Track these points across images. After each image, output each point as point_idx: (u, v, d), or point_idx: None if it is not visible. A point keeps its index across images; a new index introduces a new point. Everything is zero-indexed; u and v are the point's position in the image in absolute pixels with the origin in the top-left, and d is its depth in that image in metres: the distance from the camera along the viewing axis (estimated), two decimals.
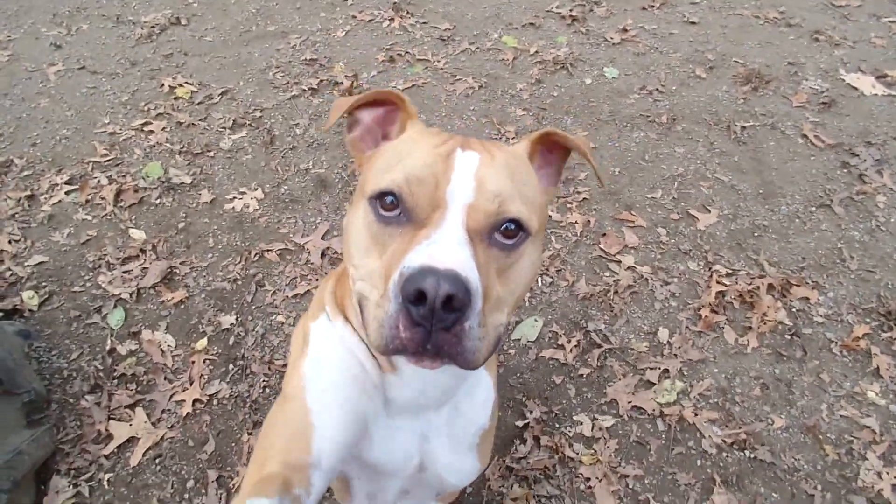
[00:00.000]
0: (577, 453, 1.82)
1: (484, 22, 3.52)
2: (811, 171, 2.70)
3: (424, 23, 3.50)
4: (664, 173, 2.69)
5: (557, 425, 1.89)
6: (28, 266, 2.24)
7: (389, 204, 0.76)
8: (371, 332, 0.72)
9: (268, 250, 2.32)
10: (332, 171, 2.66)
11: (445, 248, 0.69)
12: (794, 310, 2.19)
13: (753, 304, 2.20)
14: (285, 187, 2.58)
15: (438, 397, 0.95)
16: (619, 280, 2.28)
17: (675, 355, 2.06)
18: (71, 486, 1.73)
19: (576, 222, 2.47)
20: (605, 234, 2.44)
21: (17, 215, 2.41)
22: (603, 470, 1.78)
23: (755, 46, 3.38)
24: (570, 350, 2.07)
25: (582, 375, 2.01)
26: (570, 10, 3.59)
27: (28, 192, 2.48)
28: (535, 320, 2.16)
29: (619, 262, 2.35)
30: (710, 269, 2.32)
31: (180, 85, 3.01)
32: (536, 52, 3.30)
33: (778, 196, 2.61)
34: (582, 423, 1.89)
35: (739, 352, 2.07)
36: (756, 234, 2.45)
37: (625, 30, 3.46)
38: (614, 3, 3.68)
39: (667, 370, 2.02)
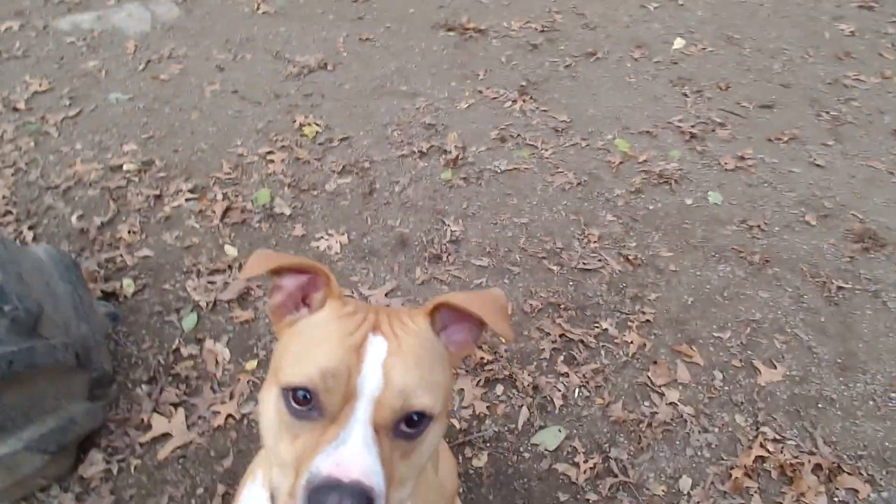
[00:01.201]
0: None
1: (602, 121, 3.60)
2: None
3: (544, 111, 3.64)
4: (739, 315, 2.61)
5: None
6: (136, 256, 2.57)
7: (302, 398, 0.80)
8: None
9: None
10: (415, 233, 2.82)
11: (352, 454, 0.75)
12: (837, 499, 2.04)
13: (793, 480, 2.07)
14: (369, 238, 2.78)
15: None
16: (656, 413, 2.23)
17: None
18: (104, 462, 1.96)
19: (631, 342, 2.46)
20: (656, 362, 2.40)
21: (142, 210, 2.77)
22: None
23: (880, 204, 3.19)
24: (585, 471, 2.05)
25: (589, 500, 1.98)
26: (692, 126, 3.58)
27: (157, 192, 2.86)
28: (560, 430, 2.16)
29: (662, 394, 2.30)
30: (757, 428, 2.21)
31: (309, 124, 3.34)
32: (645, 160, 3.33)
33: (858, 371, 2.44)
34: None
35: None
36: (820, 406, 2.31)
37: (742, 157, 3.40)
38: (740, 128, 3.63)
39: None
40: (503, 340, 2.36)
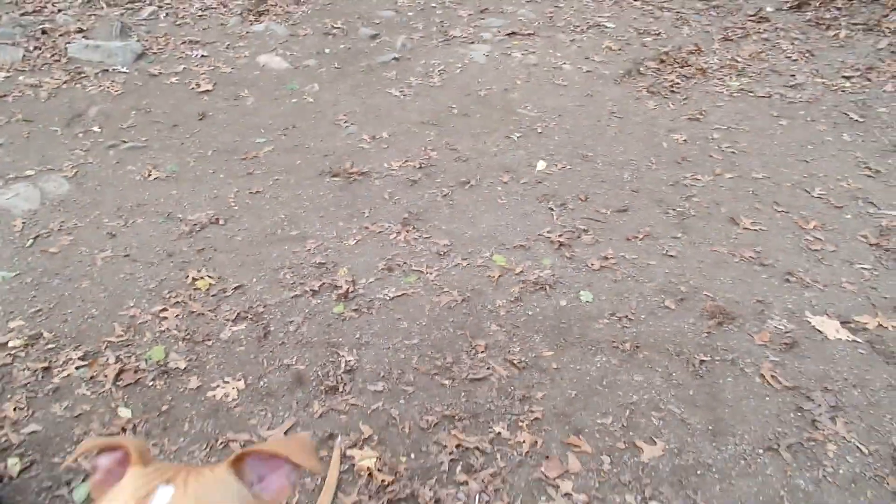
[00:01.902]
0: None
1: (480, 241, 3.95)
2: (764, 411, 2.79)
3: (427, 237, 3.96)
4: (619, 400, 2.84)
5: None
6: (23, 433, 2.53)
7: None
8: None
9: (233, 440, 2.54)
10: (311, 368, 2.94)
11: None
12: None
13: None
14: (265, 380, 2.86)
15: None
16: None
17: None
18: None
19: (523, 441, 2.61)
20: (548, 457, 2.55)
21: (28, 385, 2.75)
22: None
23: (727, 282, 3.63)
24: None
25: None
26: (560, 236, 3.99)
27: (45, 364, 2.85)
28: None
29: (557, 486, 2.43)
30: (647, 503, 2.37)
31: (202, 277, 3.47)
32: (521, 271, 3.66)
33: (727, 434, 2.68)
34: None
35: None
36: (699, 472, 2.51)
37: (606, 257, 3.80)
38: (601, 233, 4.07)
39: None
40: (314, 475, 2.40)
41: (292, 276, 3.56)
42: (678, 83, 6.20)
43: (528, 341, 3.16)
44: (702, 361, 3.05)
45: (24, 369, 2.81)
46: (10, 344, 2.94)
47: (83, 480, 2.36)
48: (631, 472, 2.50)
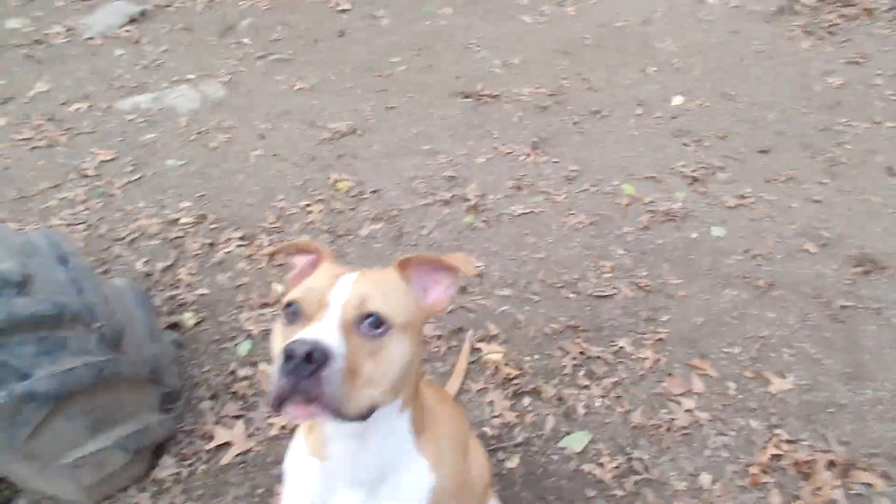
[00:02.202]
0: None
1: (608, 170, 3.91)
2: None
3: (555, 162, 3.97)
4: (748, 332, 2.80)
5: None
6: (195, 294, 2.86)
7: (292, 312, 1.06)
8: (269, 397, 0.98)
9: None
10: None
11: (316, 328, 0.98)
12: (852, 492, 2.16)
13: (808, 476, 2.21)
14: None
15: (370, 473, 1.20)
16: (674, 419, 2.40)
17: (713, 502, 2.12)
18: (175, 466, 2.17)
19: (646, 358, 2.65)
20: (671, 375, 2.59)
21: (198, 255, 3.09)
22: None
23: (878, 232, 3.41)
24: (610, 470, 2.21)
25: (615, 495, 2.14)
26: (693, 171, 3.87)
27: (210, 241, 3.18)
28: (585, 434, 2.34)
29: (679, 403, 2.47)
30: (771, 431, 2.36)
31: (343, 180, 3.69)
32: (651, 202, 3.61)
33: (865, 379, 2.59)
34: None
35: None
36: (830, 411, 2.46)
37: (743, 196, 3.66)
38: (739, 172, 3.91)
39: None
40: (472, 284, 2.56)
41: (425, 186, 3.70)
42: (837, 24, 5.68)
43: (656, 268, 3.15)
44: (843, 307, 2.92)
45: (193, 242, 3.16)
46: (182, 220, 3.30)
47: (246, 339, 2.66)
48: (757, 400, 2.49)
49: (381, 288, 1.09)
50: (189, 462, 2.19)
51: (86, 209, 3.35)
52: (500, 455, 2.27)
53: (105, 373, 1.95)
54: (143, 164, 3.75)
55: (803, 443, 2.32)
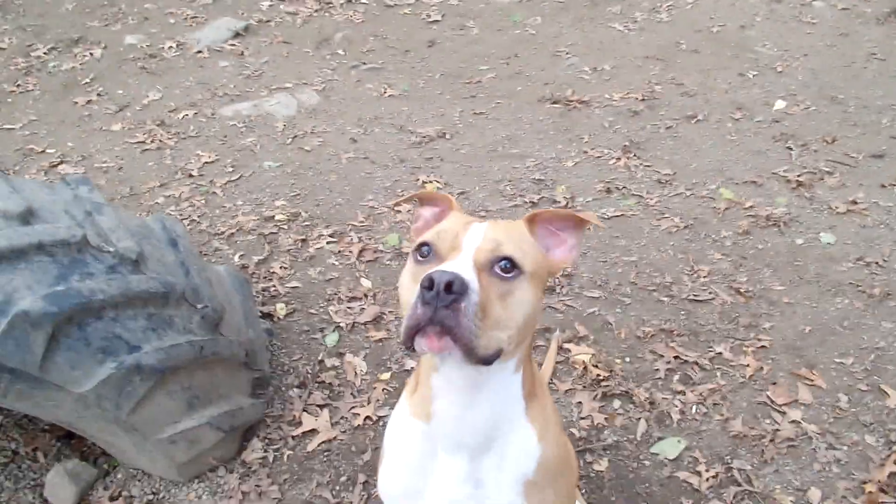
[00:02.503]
0: None
1: (705, 173, 3.75)
2: None
3: (648, 166, 3.85)
4: (861, 343, 2.58)
5: None
6: (287, 287, 2.96)
7: (424, 252, 1.08)
8: (401, 331, 0.98)
9: None
10: None
11: (453, 265, 0.98)
12: None
13: None
14: None
15: (475, 437, 1.17)
16: (778, 430, 2.24)
17: None
18: (262, 450, 2.23)
19: (747, 365, 2.49)
20: (775, 383, 2.42)
21: (291, 251, 3.20)
22: None
23: None
24: (707, 479, 2.08)
25: None
26: (798, 175, 3.65)
27: (303, 237, 3.29)
28: (679, 441, 2.22)
29: (784, 413, 2.30)
30: (890, 447, 2.16)
31: (431, 181, 3.73)
32: (751, 206, 3.42)
33: None
34: None
35: None
36: None
37: (854, 202, 3.41)
38: (849, 177, 3.65)
39: None
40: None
41: (512, 188, 3.68)
42: None
43: (757, 273, 2.97)
44: None
45: (287, 238, 3.28)
46: (277, 217, 3.44)
47: (334, 331, 2.72)
48: (873, 414, 2.28)
49: (512, 234, 1.10)
50: (276, 447, 2.24)
51: (189, 206, 3.55)
52: (588, 457, 2.19)
53: (205, 351, 2.03)
54: (241, 166, 3.94)
55: None
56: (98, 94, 4.85)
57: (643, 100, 4.57)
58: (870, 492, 2.01)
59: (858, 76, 4.78)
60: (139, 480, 2.15)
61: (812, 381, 2.42)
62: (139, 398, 1.90)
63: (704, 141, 4.08)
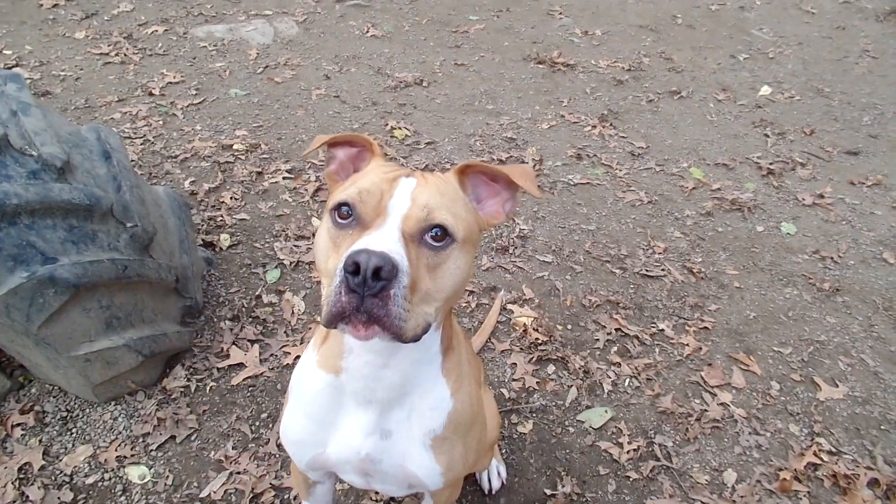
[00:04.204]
0: None
1: (679, 151, 3.69)
2: None
3: (623, 136, 3.77)
4: (803, 335, 2.58)
5: None
6: (235, 218, 2.87)
7: (345, 213, 0.96)
8: (323, 310, 0.89)
9: None
10: None
11: (380, 237, 0.88)
12: None
13: (846, 491, 2.01)
14: None
15: (387, 393, 1.12)
16: (706, 411, 2.23)
17: (734, 501, 1.96)
18: (185, 379, 2.18)
19: (687, 344, 2.48)
20: (710, 364, 2.41)
21: (244, 182, 3.09)
22: None
23: None
24: (628, 452, 2.08)
25: (629, 478, 2.01)
26: (770, 163, 3.61)
27: (259, 169, 3.18)
28: (605, 411, 2.21)
29: (714, 394, 2.30)
30: (812, 438, 2.17)
31: (400, 128, 3.62)
32: (718, 188, 3.38)
33: None
34: None
35: None
36: (882, 428, 2.23)
37: (821, 195, 3.38)
38: (821, 170, 3.61)
39: None
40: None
41: (482, 144, 3.59)
42: None
43: (712, 255, 2.95)
44: None
45: (242, 169, 3.16)
46: (235, 147, 3.31)
47: (276, 267, 2.65)
48: (802, 405, 2.29)
49: (444, 197, 0.99)
50: (200, 377, 2.19)
51: (146, 125, 3.40)
52: (514, 418, 2.17)
53: (129, 272, 1.95)
54: (206, 90, 3.78)
55: (846, 456, 2.12)
56: None
57: (629, 70, 4.47)
58: (784, 479, 2.03)
59: (848, 71, 4.72)
60: (54, 397, 2.09)
61: (748, 366, 2.42)
62: (51, 312, 1.81)
63: (684, 118, 4.01)
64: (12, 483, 1.84)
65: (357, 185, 0.98)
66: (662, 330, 2.54)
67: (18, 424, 2.00)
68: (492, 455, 1.88)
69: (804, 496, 1.99)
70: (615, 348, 2.45)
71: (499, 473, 1.95)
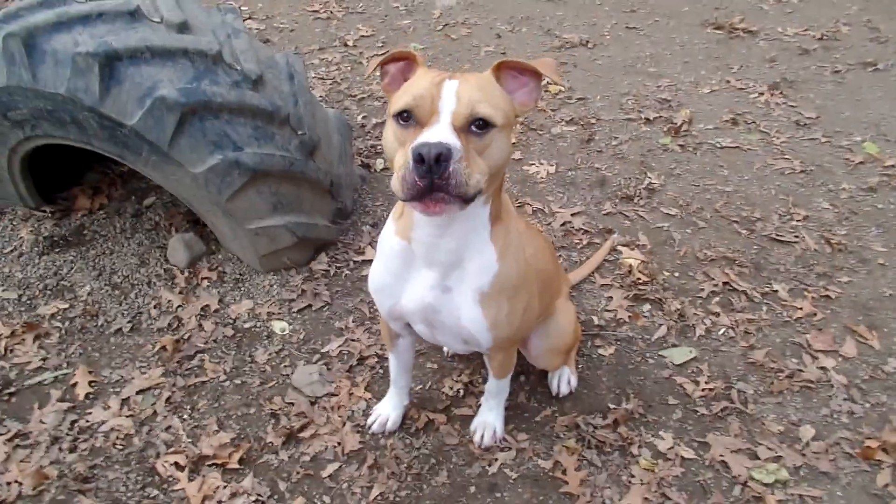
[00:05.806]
0: (640, 455, 1.95)
1: (856, 124, 3.40)
2: None
3: (792, 106, 3.56)
4: None
5: (642, 428, 2.03)
6: None
7: (405, 117, 1.20)
8: (397, 188, 1.15)
9: (529, 204, 2.92)
10: (616, 178, 3.09)
11: (437, 131, 1.13)
12: None
13: None
14: (573, 172, 3.13)
15: (446, 257, 1.40)
16: (801, 371, 2.19)
17: (804, 454, 1.94)
18: (327, 264, 2.65)
19: (800, 308, 2.40)
20: (821, 330, 2.32)
21: None
22: (651, 479, 1.88)
23: None
24: (703, 390, 2.13)
25: (696, 412, 2.07)
26: None
27: None
28: (690, 351, 2.27)
29: (815, 357, 2.23)
30: None
31: (555, 84, 3.80)
32: (891, 165, 3.09)
33: None
34: (664, 440, 1.99)
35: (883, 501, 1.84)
36: None
37: None
38: None
39: (782, 457, 1.93)
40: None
41: (633, 103, 3.64)
42: None
43: (862, 230, 2.75)
44: None
45: None
46: None
47: None
48: None
49: (483, 92, 1.20)
50: (339, 265, 2.65)
51: (337, 70, 3.99)
52: (598, 342, 2.32)
53: (294, 168, 2.44)
54: (391, 43, 4.29)
55: None
56: None
57: (821, 38, 4.14)
58: (868, 447, 1.94)
59: None
60: (233, 263, 2.68)
61: (867, 340, 2.29)
62: (236, 189, 2.36)
63: (873, 91, 3.65)
64: (195, 316, 2.44)
65: (411, 93, 1.21)
66: (776, 291, 2.48)
67: (206, 278, 2.61)
68: (564, 360, 2.07)
69: (887, 467, 1.90)
70: (717, 299, 2.46)
71: (569, 381, 2.13)
